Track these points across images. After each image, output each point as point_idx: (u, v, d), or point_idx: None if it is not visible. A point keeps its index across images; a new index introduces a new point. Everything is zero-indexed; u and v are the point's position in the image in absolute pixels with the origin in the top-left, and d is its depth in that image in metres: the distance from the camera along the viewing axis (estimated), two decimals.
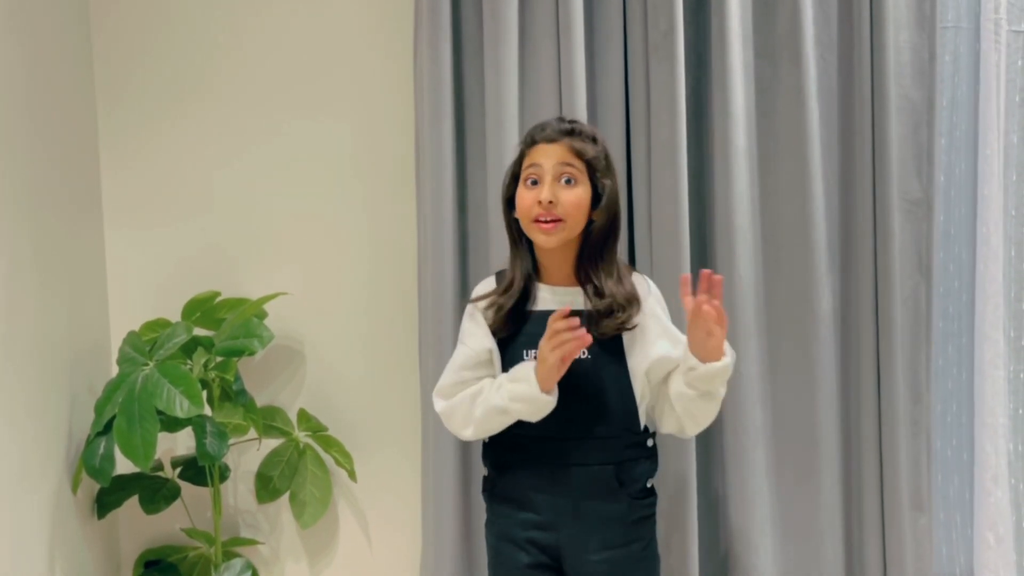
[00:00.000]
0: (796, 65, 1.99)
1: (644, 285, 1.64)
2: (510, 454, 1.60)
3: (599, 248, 1.59)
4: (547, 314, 1.53)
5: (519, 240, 1.63)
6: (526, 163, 1.59)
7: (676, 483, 1.97)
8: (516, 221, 1.62)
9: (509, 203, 1.63)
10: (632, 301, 1.57)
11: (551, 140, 1.58)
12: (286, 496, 2.06)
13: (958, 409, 2.17)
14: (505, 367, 1.59)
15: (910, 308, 2.02)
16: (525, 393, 1.50)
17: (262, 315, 2.02)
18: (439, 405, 1.63)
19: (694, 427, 1.62)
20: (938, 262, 2.05)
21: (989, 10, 2.08)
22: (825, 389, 2.02)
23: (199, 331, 1.98)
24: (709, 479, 2.05)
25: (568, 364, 1.49)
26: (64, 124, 1.96)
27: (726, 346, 1.53)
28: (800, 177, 2.00)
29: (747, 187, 1.99)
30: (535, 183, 1.57)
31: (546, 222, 1.55)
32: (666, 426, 1.63)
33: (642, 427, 1.61)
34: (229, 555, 2.02)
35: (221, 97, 2.12)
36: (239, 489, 2.14)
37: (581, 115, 1.93)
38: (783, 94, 2.02)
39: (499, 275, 1.67)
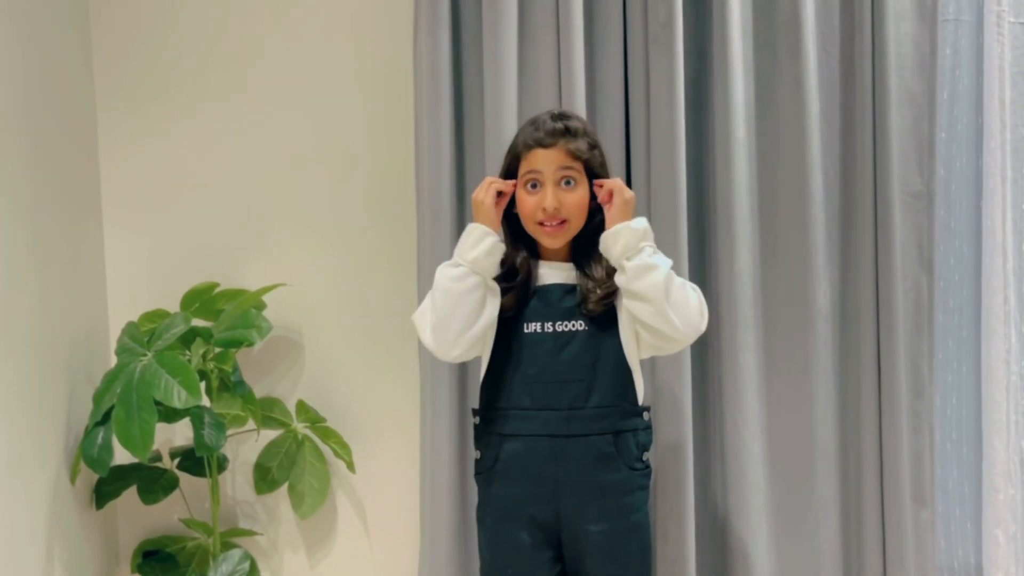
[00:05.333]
0: (796, 57, 1.99)
1: None
2: (507, 430, 1.61)
3: (595, 238, 1.63)
4: (548, 288, 1.64)
5: (516, 234, 1.68)
6: (524, 167, 1.62)
7: (674, 473, 1.97)
8: (514, 216, 1.66)
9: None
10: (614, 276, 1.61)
11: (547, 145, 1.60)
12: (284, 487, 2.06)
13: (958, 403, 2.17)
14: (507, 342, 1.62)
15: (911, 301, 2.02)
16: (467, 231, 1.60)
17: (261, 306, 2.02)
18: (414, 316, 1.64)
19: (662, 319, 1.55)
20: (939, 255, 2.05)
21: (992, 2, 2.07)
22: (823, 382, 2.02)
23: (198, 322, 1.98)
24: (707, 469, 2.05)
25: (501, 205, 1.61)
26: (63, 114, 1.95)
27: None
28: (800, 169, 2.00)
29: (746, 179, 1.99)
30: (535, 186, 1.61)
31: (551, 226, 1.61)
32: (659, 334, 1.58)
33: (639, 400, 1.63)
34: (227, 546, 2.02)
35: (220, 87, 2.11)
36: (237, 480, 2.14)
37: (580, 106, 1.93)
38: (783, 86, 2.01)
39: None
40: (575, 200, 1.60)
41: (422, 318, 1.62)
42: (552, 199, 1.58)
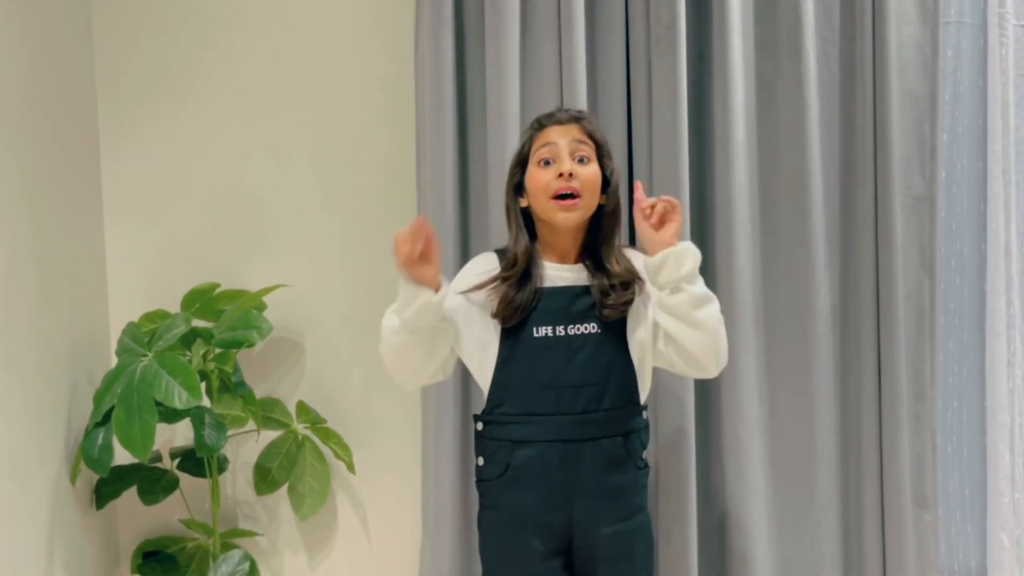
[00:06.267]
0: (797, 59, 1.99)
1: (639, 260, 1.66)
2: (517, 436, 1.58)
3: (607, 232, 1.62)
4: (556, 291, 1.59)
5: (521, 228, 1.63)
6: (537, 144, 1.61)
7: (676, 475, 1.97)
8: (521, 210, 1.63)
9: (516, 190, 1.64)
10: (634, 279, 1.60)
11: (562, 122, 1.62)
12: (284, 488, 2.06)
13: (959, 405, 2.17)
14: (516, 346, 1.58)
15: (913, 304, 2.01)
16: (401, 285, 1.54)
17: (261, 307, 2.02)
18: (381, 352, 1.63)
19: (705, 344, 1.55)
20: (940, 258, 2.05)
21: (994, 4, 2.07)
22: (822, 383, 2.02)
23: (198, 322, 1.98)
24: (707, 471, 2.05)
25: (416, 262, 1.51)
26: (64, 114, 1.95)
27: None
28: (799, 171, 2.00)
29: (746, 181, 1.99)
30: (548, 163, 1.59)
31: (566, 198, 1.56)
32: (689, 361, 1.58)
33: (642, 400, 1.62)
34: (227, 546, 2.02)
35: (221, 88, 2.11)
36: (238, 480, 2.14)
37: (582, 107, 1.92)
38: (784, 88, 2.02)
39: (500, 252, 1.67)
40: (589, 173, 1.58)
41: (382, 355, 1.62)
42: (568, 164, 1.56)
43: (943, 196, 2.08)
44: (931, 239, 2.02)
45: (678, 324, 1.55)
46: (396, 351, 1.59)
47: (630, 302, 1.58)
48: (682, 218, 1.58)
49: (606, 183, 1.62)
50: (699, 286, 1.55)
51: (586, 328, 1.58)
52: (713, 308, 1.55)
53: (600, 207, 1.62)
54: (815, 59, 2.00)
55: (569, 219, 1.58)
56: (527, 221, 1.65)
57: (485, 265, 1.65)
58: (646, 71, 1.97)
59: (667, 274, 1.54)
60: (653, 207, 1.56)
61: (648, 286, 1.60)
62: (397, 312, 1.56)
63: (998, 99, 2.07)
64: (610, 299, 1.57)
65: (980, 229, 2.14)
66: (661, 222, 1.56)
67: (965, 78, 2.13)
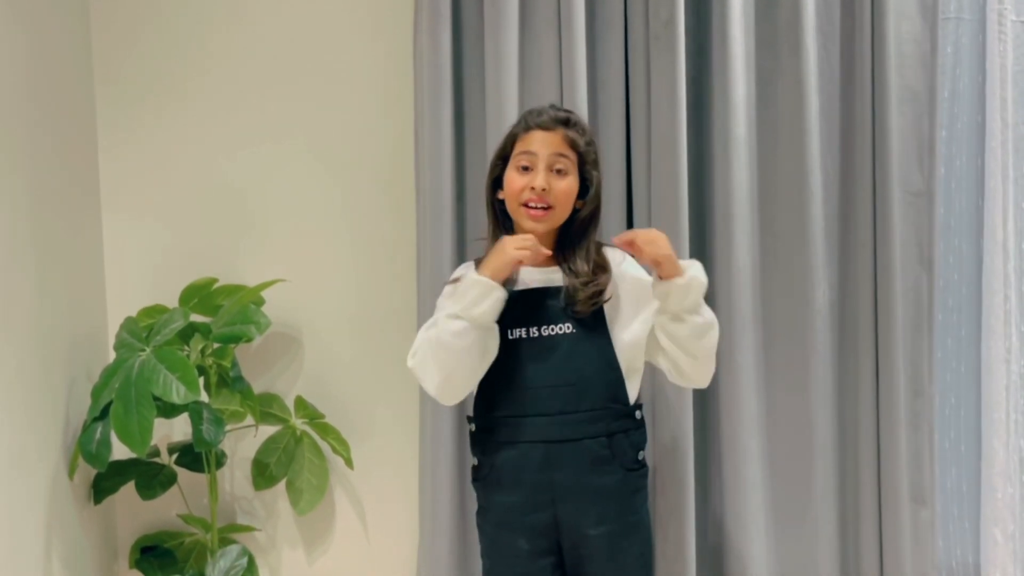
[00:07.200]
0: (797, 55, 1.99)
1: (618, 256, 1.66)
2: (501, 437, 1.61)
3: (579, 236, 1.63)
4: (530, 292, 1.60)
5: (500, 222, 1.66)
6: (519, 148, 1.62)
7: (672, 471, 1.98)
8: (499, 202, 1.65)
9: (495, 183, 1.66)
10: (602, 271, 1.61)
11: (547, 128, 1.61)
12: (283, 483, 2.06)
13: (957, 402, 2.17)
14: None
15: (911, 301, 2.02)
16: (470, 283, 1.51)
17: (260, 302, 2.02)
18: (411, 361, 1.60)
19: (700, 369, 1.60)
20: (938, 254, 2.05)
21: (993, 1, 2.07)
22: (820, 380, 2.02)
23: (196, 317, 1.98)
24: (705, 468, 2.05)
25: (516, 267, 1.55)
26: (62, 110, 1.95)
27: (686, 263, 1.54)
28: (799, 168, 2.00)
29: (746, 177, 1.99)
30: (527, 168, 1.59)
31: (536, 208, 1.58)
32: (682, 377, 1.63)
33: (632, 400, 1.62)
34: (225, 541, 2.02)
35: (219, 83, 2.11)
36: (236, 476, 2.14)
37: (581, 104, 1.93)
38: (783, 84, 2.01)
39: (477, 262, 1.68)
40: (564, 188, 1.60)
41: (424, 370, 1.57)
42: (543, 179, 1.57)
43: (942, 192, 2.08)
44: (930, 235, 2.02)
45: (675, 348, 1.57)
46: (457, 356, 1.53)
47: (599, 293, 1.58)
48: (660, 246, 1.52)
49: (586, 190, 1.63)
50: (702, 315, 1.55)
51: (561, 329, 1.59)
52: (712, 336, 1.57)
53: (575, 211, 1.63)
54: (815, 55, 2.00)
55: (537, 228, 1.60)
56: (506, 214, 1.66)
57: (464, 272, 1.67)
58: (645, 67, 1.97)
59: (672, 304, 1.53)
60: (630, 242, 1.54)
61: (627, 285, 1.63)
62: (463, 312, 1.51)
63: (996, 95, 2.07)
64: (579, 295, 1.58)
65: (979, 225, 2.13)
66: (640, 252, 1.53)
67: (964, 74, 2.13)
